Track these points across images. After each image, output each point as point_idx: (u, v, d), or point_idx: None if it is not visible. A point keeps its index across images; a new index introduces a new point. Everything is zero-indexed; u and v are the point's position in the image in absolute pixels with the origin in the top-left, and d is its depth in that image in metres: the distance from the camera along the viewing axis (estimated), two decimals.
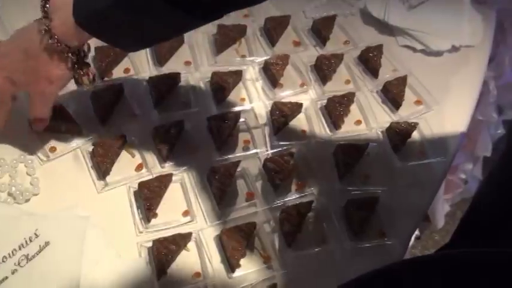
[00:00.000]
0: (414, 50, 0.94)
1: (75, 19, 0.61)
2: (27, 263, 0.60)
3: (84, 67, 0.66)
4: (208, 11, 0.59)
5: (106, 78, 0.80)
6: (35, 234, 0.62)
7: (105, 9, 0.58)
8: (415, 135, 0.82)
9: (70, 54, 0.64)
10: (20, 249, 0.61)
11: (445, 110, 0.86)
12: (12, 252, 0.60)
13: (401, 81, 0.86)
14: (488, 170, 1.39)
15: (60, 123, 0.73)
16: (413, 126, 0.81)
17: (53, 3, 0.62)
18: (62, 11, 0.61)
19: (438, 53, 0.93)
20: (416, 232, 1.41)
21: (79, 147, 0.73)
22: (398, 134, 0.80)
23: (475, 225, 0.78)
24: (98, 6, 0.58)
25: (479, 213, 0.79)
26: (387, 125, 0.81)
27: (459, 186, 1.48)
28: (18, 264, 0.60)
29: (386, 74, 0.89)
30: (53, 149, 0.72)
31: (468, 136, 1.31)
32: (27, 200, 0.67)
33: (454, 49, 0.94)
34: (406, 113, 0.84)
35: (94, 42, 0.83)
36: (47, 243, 0.62)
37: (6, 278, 0.59)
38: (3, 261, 0.59)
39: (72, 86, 0.69)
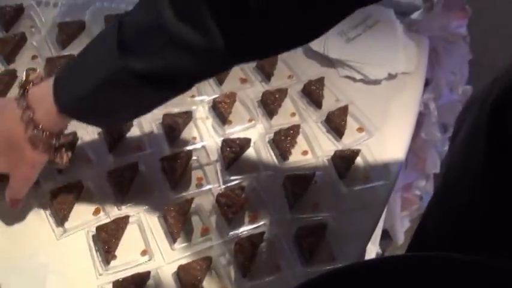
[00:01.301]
0: (354, 79, 0.99)
1: (60, 108, 0.64)
2: None
3: (61, 149, 0.70)
4: (184, 88, 0.65)
5: None
6: None
7: (87, 96, 0.62)
8: (359, 161, 0.87)
9: (54, 141, 0.68)
10: None
11: (386, 135, 0.91)
12: None
13: (343, 111, 0.91)
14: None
15: None
16: (356, 152, 0.86)
17: (33, 95, 0.66)
18: (43, 101, 0.65)
19: (376, 82, 0.99)
20: (379, 250, 1.47)
21: (36, 197, 0.75)
22: (343, 161, 0.85)
23: (424, 245, 0.83)
24: (79, 93, 0.63)
25: (426, 234, 0.84)
26: (332, 153, 0.86)
27: (415, 202, 1.54)
28: None
29: (329, 104, 0.94)
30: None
31: (417, 155, 1.38)
32: None
33: (391, 77, 1.00)
34: (349, 140, 0.90)
35: None
36: None
37: None
38: None
39: None
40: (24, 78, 0.68)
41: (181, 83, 0.63)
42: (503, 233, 0.67)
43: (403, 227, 1.57)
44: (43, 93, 0.65)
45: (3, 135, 0.67)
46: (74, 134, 0.80)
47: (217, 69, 0.65)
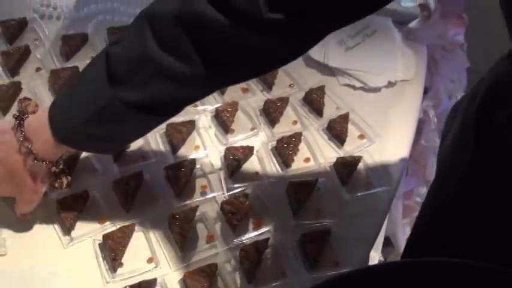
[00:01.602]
0: (354, 87, 1.01)
1: (57, 139, 0.66)
2: None
3: (61, 174, 0.73)
4: (172, 112, 0.68)
5: None
6: None
7: (83, 127, 0.65)
8: (361, 167, 0.88)
9: (53, 168, 0.70)
10: None
11: (387, 142, 0.92)
12: None
13: (344, 119, 0.92)
14: None
15: None
16: (357, 159, 0.87)
17: (29, 126, 0.68)
18: (40, 132, 0.67)
19: (376, 89, 1.01)
20: (381, 257, 1.47)
21: (43, 206, 0.76)
22: (345, 168, 0.86)
23: (417, 247, 0.84)
24: (75, 124, 0.65)
25: (419, 236, 0.85)
26: (334, 160, 0.87)
27: (416, 209, 1.55)
28: None
29: (330, 112, 0.95)
30: None
31: (417, 162, 1.39)
32: None
33: (391, 84, 1.01)
34: (350, 147, 0.91)
35: None
36: None
37: None
38: None
39: None
40: (17, 111, 0.70)
41: (171, 109, 0.67)
42: (492, 230, 0.69)
43: (404, 234, 1.58)
44: (39, 124, 0.67)
45: (2, 164, 0.69)
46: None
47: (203, 94, 0.69)
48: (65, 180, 0.73)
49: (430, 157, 1.36)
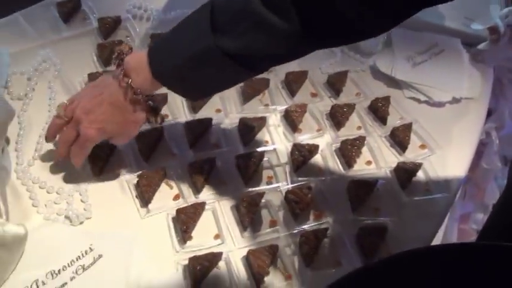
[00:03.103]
0: (419, 101, 1.04)
1: (153, 74, 0.75)
2: (83, 272, 0.71)
3: (155, 110, 0.81)
4: (260, 68, 0.75)
5: None
6: (90, 248, 0.73)
7: (179, 66, 0.73)
8: (420, 174, 0.91)
9: (149, 101, 0.79)
10: (77, 260, 0.72)
11: (448, 154, 0.95)
12: (71, 262, 0.71)
13: (407, 128, 0.96)
14: None
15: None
16: (418, 165, 0.91)
17: (128, 64, 0.76)
18: (139, 69, 0.76)
19: (440, 104, 1.04)
20: None
21: (126, 180, 0.84)
22: (405, 173, 0.90)
23: None
24: (172, 63, 0.73)
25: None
26: (395, 165, 0.91)
27: (472, 235, 1.54)
28: (76, 272, 0.70)
29: (394, 121, 0.99)
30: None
31: (477, 185, 1.39)
32: (81, 223, 0.78)
33: (455, 100, 1.05)
34: (411, 155, 0.94)
35: None
36: (100, 256, 0.73)
37: (66, 283, 0.70)
38: (63, 269, 0.70)
39: None
40: (117, 52, 0.79)
41: (260, 64, 0.73)
42: None
43: None
44: (137, 62, 0.75)
45: (109, 102, 0.77)
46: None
47: (293, 54, 0.73)
48: (159, 116, 0.81)
49: (490, 181, 1.37)
